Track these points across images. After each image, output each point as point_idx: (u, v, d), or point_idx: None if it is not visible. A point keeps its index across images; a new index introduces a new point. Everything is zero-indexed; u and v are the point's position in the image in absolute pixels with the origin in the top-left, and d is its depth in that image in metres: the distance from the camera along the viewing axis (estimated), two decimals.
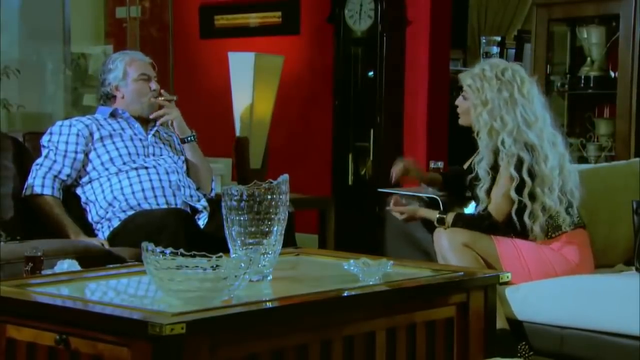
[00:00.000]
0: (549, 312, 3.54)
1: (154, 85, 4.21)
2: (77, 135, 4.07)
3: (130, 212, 3.95)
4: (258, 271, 2.75)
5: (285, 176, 2.85)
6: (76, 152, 4.05)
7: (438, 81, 6.12)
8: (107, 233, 3.96)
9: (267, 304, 2.62)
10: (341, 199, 6.08)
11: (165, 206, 3.97)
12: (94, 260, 3.45)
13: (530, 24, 6.18)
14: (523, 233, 3.68)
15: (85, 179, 4.06)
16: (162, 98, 4.23)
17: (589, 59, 5.51)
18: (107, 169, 4.04)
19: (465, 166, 3.96)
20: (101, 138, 4.09)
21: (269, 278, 2.82)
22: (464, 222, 3.71)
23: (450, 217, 3.72)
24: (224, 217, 2.80)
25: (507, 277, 3.05)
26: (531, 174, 3.63)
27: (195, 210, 4.07)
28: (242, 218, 2.76)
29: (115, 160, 4.06)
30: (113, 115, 4.20)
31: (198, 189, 4.22)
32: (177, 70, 7.18)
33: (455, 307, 2.88)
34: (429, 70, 6.06)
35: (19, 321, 2.46)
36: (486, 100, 3.68)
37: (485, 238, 3.67)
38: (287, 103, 6.30)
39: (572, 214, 3.72)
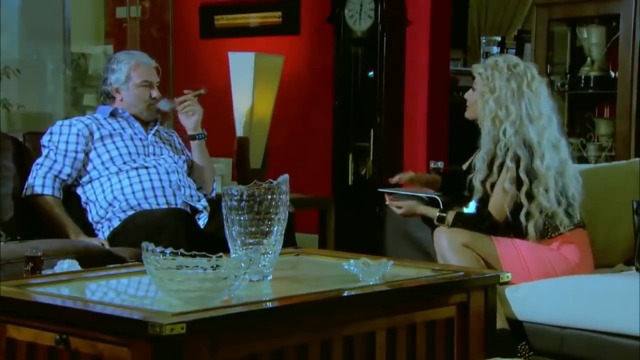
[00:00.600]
0: (549, 312, 3.54)
1: (154, 93, 4.19)
2: (77, 134, 4.07)
3: (131, 212, 3.95)
4: (258, 271, 2.75)
5: (286, 176, 2.85)
6: (76, 152, 4.05)
7: (438, 81, 6.12)
8: (107, 233, 3.96)
9: (267, 304, 2.62)
10: (341, 199, 6.07)
11: (165, 206, 3.97)
12: (94, 260, 3.45)
13: (530, 24, 6.18)
14: (522, 233, 3.68)
15: (85, 179, 4.06)
16: (190, 93, 4.22)
17: (589, 59, 5.51)
18: (107, 169, 4.04)
19: (465, 167, 3.96)
20: (101, 137, 4.09)
21: (269, 278, 2.82)
22: (464, 221, 3.71)
23: (450, 216, 3.73)
24: (224, 217, 2.80)
25: (507, 277, 3.05)
26: (529, 174, 3.63)
27: (195, 210, 4.07)
28: (242, 218, 2.76)
29: (116, 159, 4.06)
30: (113, 114, 4.20)
31: (199, 188, 4.22)
32: (177, 70, 7.17)
33: (456, 307, 2.89)
34: (429, 70, 6.06)
35: (19, 321, 2.46)
36: (494, 88, 3.71)
37: (485, 238, 3.67)
38: (287, 103, 6.30)
39: (573, 215, 3.72)
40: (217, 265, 2.45)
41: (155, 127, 4.25)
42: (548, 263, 3.66)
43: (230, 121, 5.84)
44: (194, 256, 2.48)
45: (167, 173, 4.08)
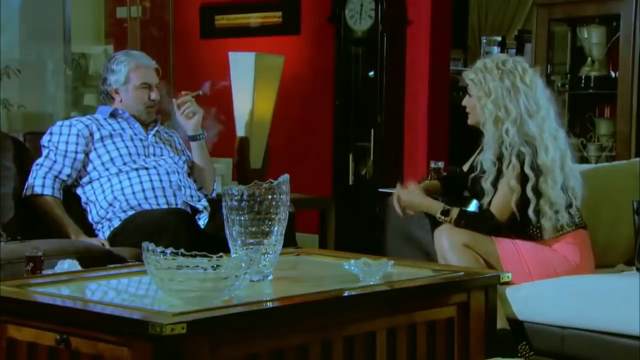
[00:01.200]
0: (549, 312, 3.54)
1: (154, 95, 4.19)
2: (77, 135, 4.07)
3: (131, 212, 3.95)
4: (258, 271, 2.75)
5: (286, 176, 2.85)
6: (76, 152, 4.05)
7: (438, 81, 6.12)
8: (107, 233, 3.97)
9: (268, 304, 2.62)
10: (342, 199, 6.07)
11: (165, 206, 3.97)
12: (94, 260, 3.45)
13: (530, 23, 6.19)
14: (525, 232, 3.68)
15: (85, 179, 4.06)
16: (187, 94, 4.22)
17: (589, 58, 5.51)
18: (107, 169, 4.04)
19: (465, 167, 3.95)
20: (101, 138, 4.09)
21: (269, 278, 2.82)
22: (467, 220, 3.69)
23: (455, 212, 3.70)
24: (224, 217, 2.81)
25: (508, 277, 3.05)
26: (534, 169, 3.62)
27: (195, 210, 4.07)
28: (242, 218, 2.76)
29: (116, 160, 4.06)
30: (113, 115, 4.20)
31: (200, 189, 4.22)
32: (178, 70, 7.17)
33: (456, 307, 2.89)
34: (430, 70, 6.06)
35: (19, 321, 2.46)
36: (489, 91, 3.70)
37: (486, 238, 3.66)
38: (287, 103, 6.29)
39: (573, 214, 3.72)
40: (217, 265, 2.45)
41: (156, 128, 4.25)
42: (549, 263, 3.66)
43: (231, 121, 5.83)
44: (195, 256, 2.48)
45: (167, 173, 4.08)
